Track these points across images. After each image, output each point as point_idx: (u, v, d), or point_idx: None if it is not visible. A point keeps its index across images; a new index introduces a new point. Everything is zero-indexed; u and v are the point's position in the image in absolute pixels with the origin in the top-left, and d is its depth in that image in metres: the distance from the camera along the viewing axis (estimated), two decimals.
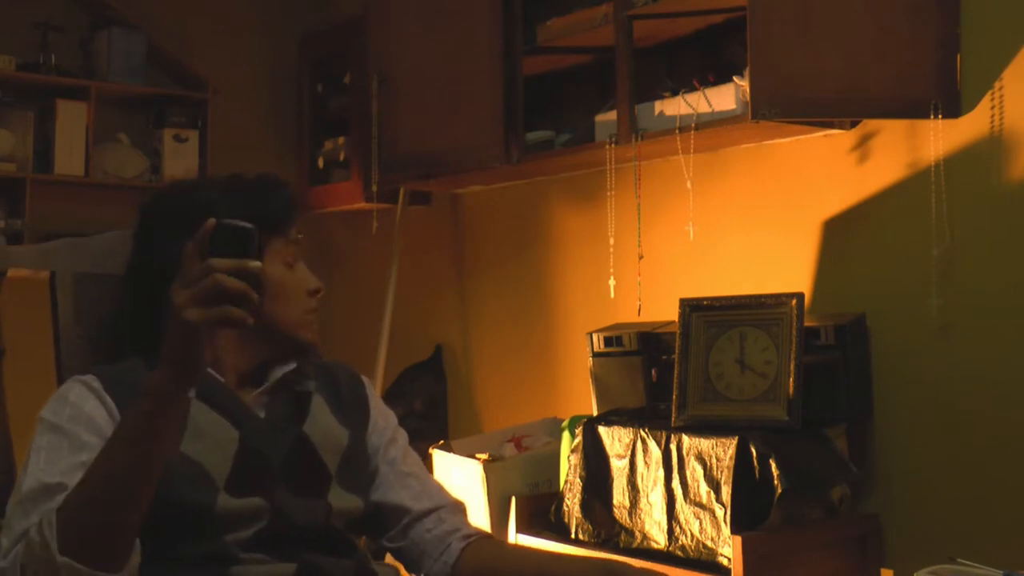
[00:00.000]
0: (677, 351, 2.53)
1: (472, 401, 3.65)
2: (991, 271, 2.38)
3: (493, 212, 3.60)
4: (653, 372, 2.71)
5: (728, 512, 2.25)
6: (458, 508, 1.70)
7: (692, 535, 2.31)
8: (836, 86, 2.40)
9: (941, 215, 2.42)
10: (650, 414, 2.65)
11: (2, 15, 3.62)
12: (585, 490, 2.55)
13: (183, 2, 3.99)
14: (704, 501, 2.30)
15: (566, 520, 2.58)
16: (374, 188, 3.25)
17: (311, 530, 1.51)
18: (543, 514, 2.66)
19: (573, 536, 2.56)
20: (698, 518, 2.30)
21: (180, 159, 3.80)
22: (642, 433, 2.46)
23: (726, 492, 2.26)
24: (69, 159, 3.59)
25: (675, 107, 2.68)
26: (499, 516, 2.73)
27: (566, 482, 2.60)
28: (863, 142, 2.61)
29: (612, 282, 2.84)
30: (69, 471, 1.35)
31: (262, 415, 1.56)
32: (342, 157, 3.84)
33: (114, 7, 3.70)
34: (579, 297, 3.27)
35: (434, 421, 3.72)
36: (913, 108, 2.40)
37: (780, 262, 2.76)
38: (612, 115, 2.80)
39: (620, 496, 2.47)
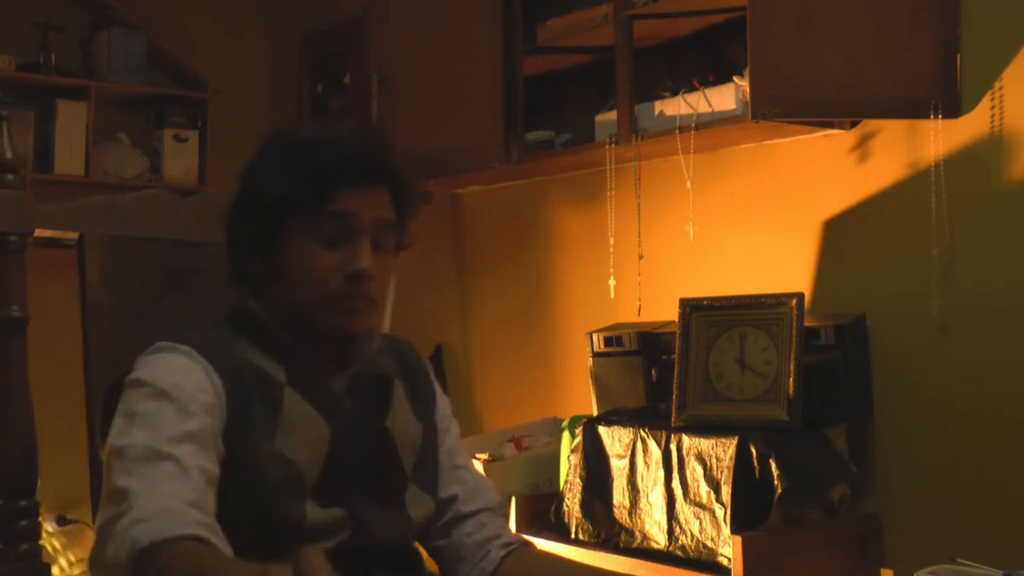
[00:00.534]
0: (677, 351, 2.53)
1: (472, 401, 3.65)
2: (991, 271, 2.38)
3: (493, 212, 3.60)
4: (653, 372, 2.71)
5: (728, 512, 2.25)
6: (500, 512, 1.61)
7: (692, 535, 2.31)
8: (836, 86, 2.40)
9: (941, 215, 2.42)
10: (650, 414, 2.65)
11: (2, 15, 3.61)
12: (585, 490, 2.55)
13: (183, 2, 3.99)
14: (704, 501, 2.30)
15: (566, 520, 2.57)
16: None
17: (387, 544, 1.41)
18: (543, 514, 2.66)
19: (573, 536, 2.56)
20: (698, 518, 2.30)
21: (180, 159, 3.80)
22: (642, 433, 2.46)
23: (726, 492, 2.26)
24: (69, 159, 3.58)
25: (675, 107, 2.68)
26: None
27: (566, 482, 2.60)
28: (863, 142, 2.61)
29: (612, 282, 2.85)
30: (176, 440, 1.24)
31: (348, 406, 1.43)
32: None
33: (114, 7, 3.70)
34: (579, 297, 3.27)
35: None
36: (913, 108, 2.41)
37: (780, 262, 2.76)
38: (612, 115, 2.80)
39: (620, 496, 2.47)
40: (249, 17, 4.18)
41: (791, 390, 2.35)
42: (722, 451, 2.29)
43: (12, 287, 1.51)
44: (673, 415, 2.48)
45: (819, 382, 2.41)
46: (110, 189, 3.70)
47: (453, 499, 1.56)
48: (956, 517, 2.42)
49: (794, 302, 2.40)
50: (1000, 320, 2.37)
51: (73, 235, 1.57)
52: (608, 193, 2.86)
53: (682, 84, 2.74)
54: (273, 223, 1.37)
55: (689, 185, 2.69)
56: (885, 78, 2.40)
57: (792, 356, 2.37)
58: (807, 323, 2.42)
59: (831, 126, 2.62)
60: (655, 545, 2.38)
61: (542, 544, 2.58)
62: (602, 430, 2.55)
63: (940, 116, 2.39)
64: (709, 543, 2.27)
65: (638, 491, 2.44)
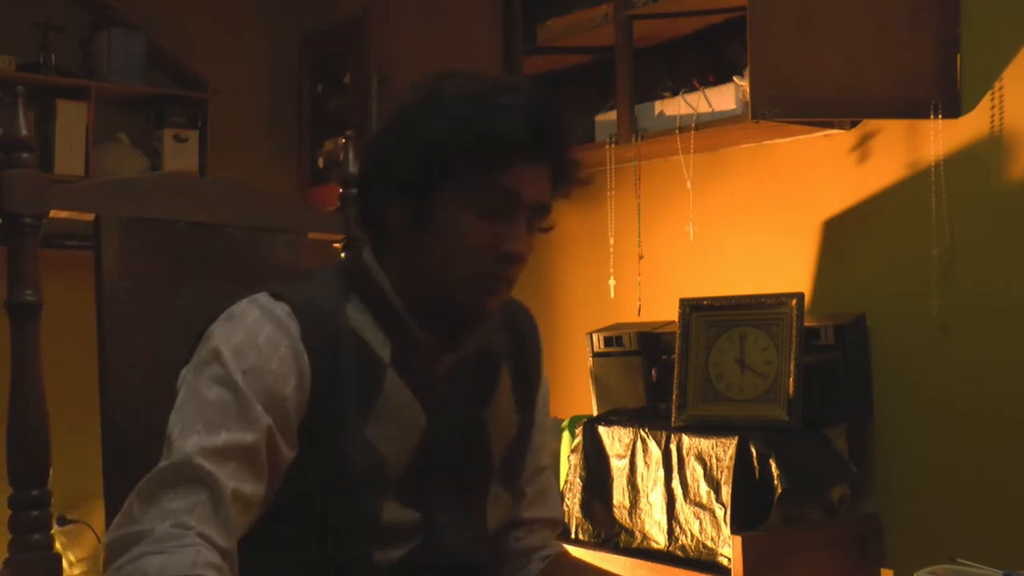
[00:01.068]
0: (677, 351, 2.53)
1: None
2: (991, 271, 2.38)
3: None
4: (653, 372, 2.71)
5: (728, 512, 2.25)
6: (557, 524, 1.51)
7: (692, 535, 2.31)
8: (836, 86, 2.40)
9: (941, 215, 2.42)
10: (650, 414, 2.65)
11: (2, 15, 3.61)
12: (585, 490, 2.55)
13: (183, 2, 3.99)
14: (704, 501, 2.30)
15: (566, 520, 2.57)
16: None
17: (460, 556, 1.29)
18: None
19: (573, 536, 2.56)
20: (698, 518, 2.30)
21: (180, 159, 3.80)
22: (642, 433, 2.46)
23: (726, 492, 2.26)
24: (69, 159, 3.58)
25: (675, 107, 2.68)
26: None
27: (566, 482, 2.60)
28: (863, 142, 2.61)
29: (612, 282, 2.85)
30: (223, 454, 1.13)
31: (447, 393, 1.30)
32: (342, 157, 3.83)
33: (114, 7, 3.70)
34: (579, 297, 3.27)
35: None
36: (913, 108, 2.41)
37: (780, 262, 2.76)
38: (612, 115, 2.80)
39: (620, 496, 2.47)
40: (249, 17, 4.18)
41: (791, 390, 2.35)
42: (722, 451, 2.29)
43: (26, 271, 1.45)
44: (673, 415, 2.48)
45: (819, 382, 2.41)
46: None
47: (524, 503, 1.44)
48: (956, 517, 2.42)
49: (794, 302, 2.40)
50: (1000, 320, 2.37)
51: (90, 217, 1.52)
52: (608, 193, 2.86)
53: (682, 84, 2.74)
54: (434, 177, 1.23)
55: (689, 185, 2.69)
56: (885, 78, 2.40)
57: (792, 356, 2.37)
58: (807, 323, 2.42)
59: (831, 126, 2.62)
60: (655, 545, 2.38)
61: None
62: (602, 430, 2.55)
63: (940, 116, 2.39)
64: (709, 543, 2.28)
65: (638, 491, 2.44)
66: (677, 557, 2.33)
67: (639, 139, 2.72)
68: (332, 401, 1.20)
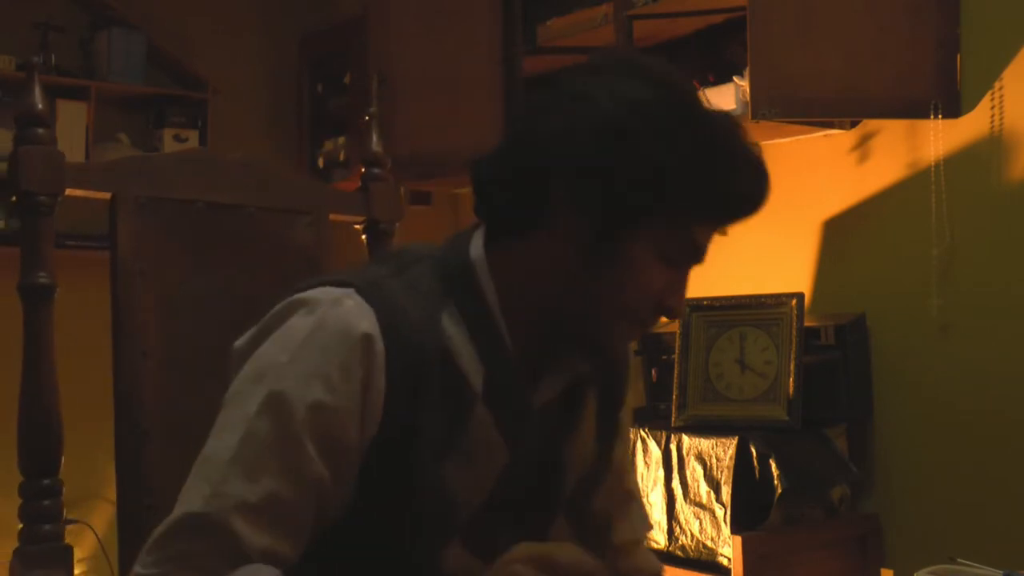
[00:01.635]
0: (677, 351, 2.53)
1: None
2: (991, 271, 2.38)
3: None
4: (653, 372, 2.71)
5: (728, 512, 2.25)
6: (646, 541, 1.37)
7: (692, 535, 2.31)
8: (836, 86, 2.40)
9: (941, 215, 2.42)
10: (650, 414, 2.65)
11: (2, 15, 3.61)
12: None
13: (183, 2, 3.99)
14: (704, 501, 2.30)
15: None
16: None
17: None
18: None
19: None
20: (698, 518, 2.30)
21: None
22: (642, 433, 2.46)
23: (726, 492, 2.26)
24: (69, 159, 3.58)
25: None
26: None
27: None
28: (863, 142, 2.61)
29: None
30: (251, 510, 0.97)
31: (533, 428, 1.11)
32: (342, 157, 3.83)
33: (114, 7, 3.70)
34: None
35: None
36: (913, 108, 2.41)
37: (780, 262, 2.76)
38: None
39: None
40: (249, 17, 4.18)
41: (791, 390, 2.35)
42: (722, 451, 2.29)
43: (40, 253, 1.38)
44: (673, 415, 2.48)
45: (819, 382, 2.41)
46: None
47: (615, 531, 1.28)
48: (956, 517, 2.42)
49: (794, 302, 2.40)
50: (1000, 320, 2.37)
51: (106, 196, 1.46)
52: None
53: None
54: (647, 210, 1.04)
55: None
56: (885, 78, 2.40)
57: (792, 356, 2.37)
58: (807, 323, 2.42)
59: (831, 126, 2.62)
60: (655, 545, 2.38)
61: None
62: None
63: (940, 116, 2.39)
64: (709, 543, 2.28)
65: None
66: (677, 557, 2.33)
67: None
68: (408, 439, 1.02)
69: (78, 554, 3.46)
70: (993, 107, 2.38)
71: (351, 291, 1.03)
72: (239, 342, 1.08)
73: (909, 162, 2.52)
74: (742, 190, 1.07)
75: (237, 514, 0.96)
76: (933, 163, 2.44)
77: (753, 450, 2.27)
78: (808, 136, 2.69)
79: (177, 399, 1.46)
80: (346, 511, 1.02)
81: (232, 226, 1.56)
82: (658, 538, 2.37)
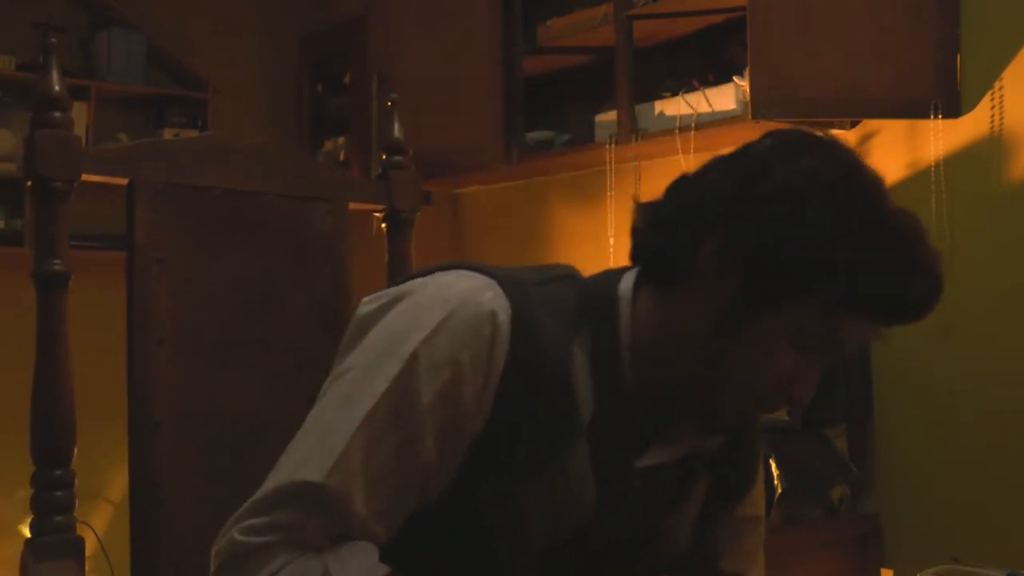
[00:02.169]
0: None
1: None
2: (991, 271, 2.38)
3: (493, 212, 3.60)
4: None
5: None
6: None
7: None
8: (836, 86, 2.40)
9: (941, 215, 2.42)
10: None
11: (2, 15, 3.61)
12: None
13: (183, 2, 3.99)
14: None
15: None
16: None
17: None
18: None
19: None
20: None
21: None
22: None
23: None
24: None
25: (675, 107, 2.68)
26: None
27: None
28: (863, 142, 2.61)
29: None
30: (376, 487, 0.94)
31: (633, 497, 1.05)
32: (342, 157, 3.84)
33: (114, 7, 3.70)
34: None
35: None
36: (913, 108, 2.41)
37: None
38: (612, 115, 2.80)
39: None
40: (249, 17, 4.18)
41: None
42: None
43: (55, 240, 1.36)
44: None
45: (819, 382, 2.41)
46: (111, 189, 3.70)
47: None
48: (956, 517, 2.42)
49: None
50: (1000, 320, 2.37)
51: (123, 182, 1.44)
52: (608, 193, 2.86)
53: (682, 84, 2.74)
54: (795, 294, 0.97)
55: None
56: (885, 78, 2.40)
57: None
58: None
59: (831, 126, 2.62)
60: None
61: None
62: None
63: (940, 116, 2.39)
64: None
65: None
66: None
67: (639, 139, 2.72)
68: (506, 449, 0.97)
69: None
70: (993, 107, 2.38)
71: (493, 283, 1.00)
72: (366, 307, 1.02)
73: (909, 162, 2.52)
74: (914, 294, 1.02)
75: (358, 492, 0.93)
76: (933, 163, 2.44)
77: None
78: None
79: (190, 390, 1.44)
80: (439, 501, 0.99)
81: (249, 213, 1.54)
82: None
